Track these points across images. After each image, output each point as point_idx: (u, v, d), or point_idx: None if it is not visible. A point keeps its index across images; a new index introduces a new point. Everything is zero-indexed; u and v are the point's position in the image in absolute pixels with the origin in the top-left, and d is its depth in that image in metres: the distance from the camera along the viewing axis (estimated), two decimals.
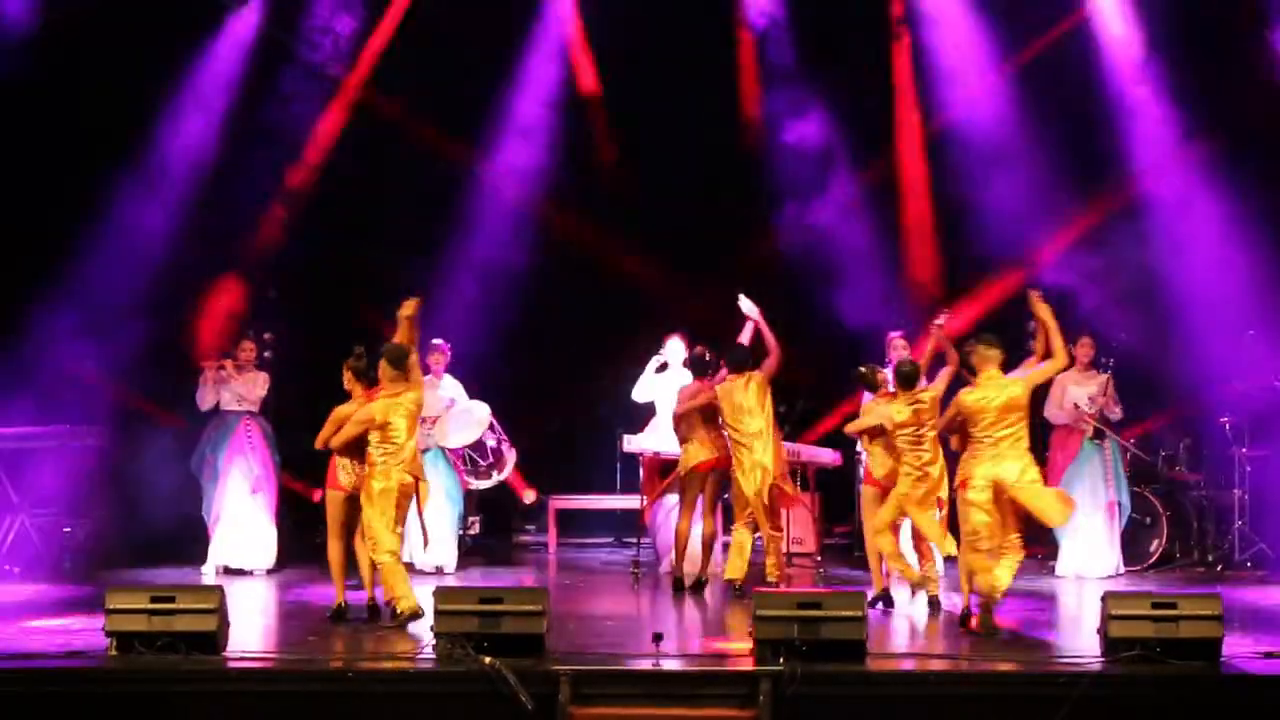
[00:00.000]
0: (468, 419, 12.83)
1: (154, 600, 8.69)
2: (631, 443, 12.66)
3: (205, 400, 12.70)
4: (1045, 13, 14.35)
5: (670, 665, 8.52)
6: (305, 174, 14.55)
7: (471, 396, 12.96)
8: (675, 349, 12.72)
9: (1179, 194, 13.98)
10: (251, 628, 9.81)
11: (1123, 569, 12.41)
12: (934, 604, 10.64)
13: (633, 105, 14.64)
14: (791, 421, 12.36)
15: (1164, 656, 8.46)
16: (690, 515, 11.56)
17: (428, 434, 12.64)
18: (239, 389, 12.58)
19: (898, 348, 12.25)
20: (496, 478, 13.18)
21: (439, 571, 12.51)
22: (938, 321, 10.93)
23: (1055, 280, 13.31)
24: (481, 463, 12.96)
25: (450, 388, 12.84)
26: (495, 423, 13.04)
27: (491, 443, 13.04)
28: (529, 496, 14.45)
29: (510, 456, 13.17)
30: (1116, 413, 12.54)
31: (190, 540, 12.74)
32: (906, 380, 10.61)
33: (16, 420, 12.81)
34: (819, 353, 13.53)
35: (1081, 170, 14.12)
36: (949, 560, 10.59)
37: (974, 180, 14.14)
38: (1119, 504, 12.42)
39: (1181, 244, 13.83)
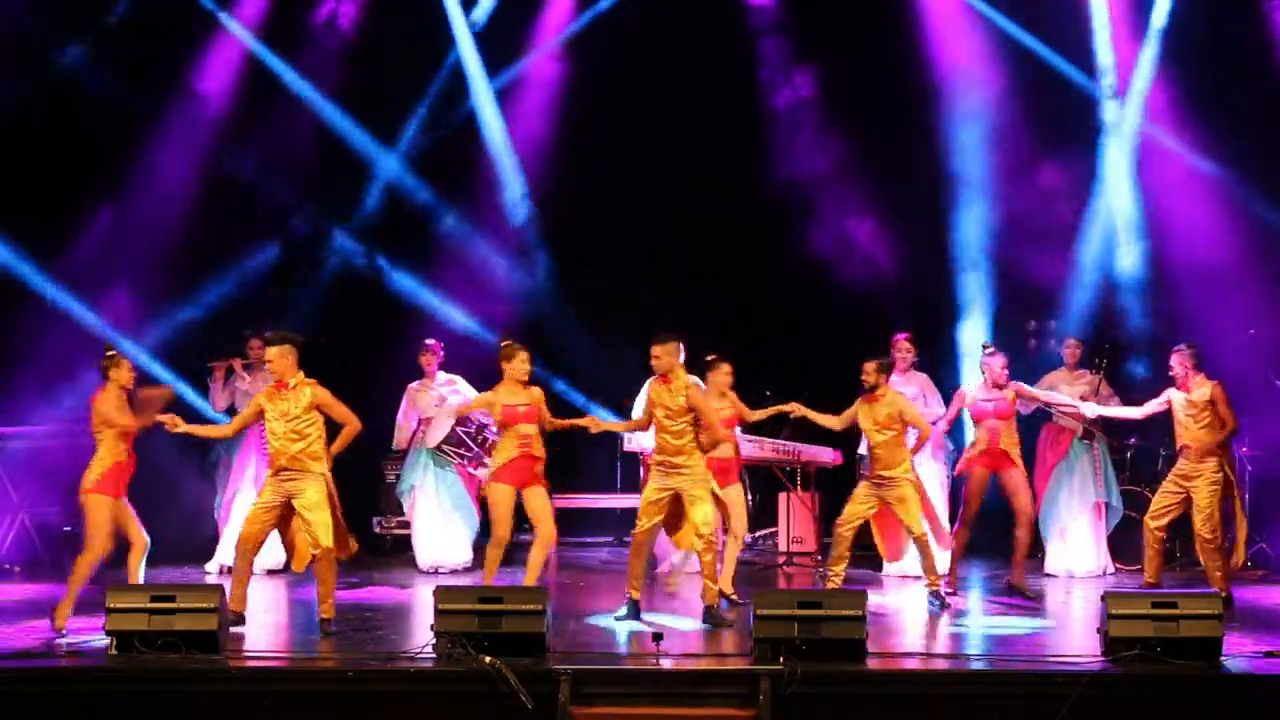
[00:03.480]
0: (444, 412, 12.72)
1: (154, 600, 8.72)
2: (631, 442, 12.62)
3: (217, 401, 12.63)
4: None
5: (670, 665, 8.53)
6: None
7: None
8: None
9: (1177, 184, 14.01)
10: (253, 627, 9.80)
11: (1111, 569, 12.41)
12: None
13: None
14: (793, 422, 12.27)
15: (1164, 656, 8.48)
16: None
17: (422, 435, 12.63)
18: (248, 388, 12.50)
19: (903, 349, 12.19)
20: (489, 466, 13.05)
21: (458, 570, 12.60)
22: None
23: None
24: (468, 454, 12.79)
25: (444, 384, 12.76)
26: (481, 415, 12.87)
27: (474, 431, 12.89)
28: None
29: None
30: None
31: (191, 540, 12.72)
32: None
33: (17, 419, 12.80)
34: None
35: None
36: None
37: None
38: (1108, 505, 12.41)
39: (1180, 237, 13.85)
